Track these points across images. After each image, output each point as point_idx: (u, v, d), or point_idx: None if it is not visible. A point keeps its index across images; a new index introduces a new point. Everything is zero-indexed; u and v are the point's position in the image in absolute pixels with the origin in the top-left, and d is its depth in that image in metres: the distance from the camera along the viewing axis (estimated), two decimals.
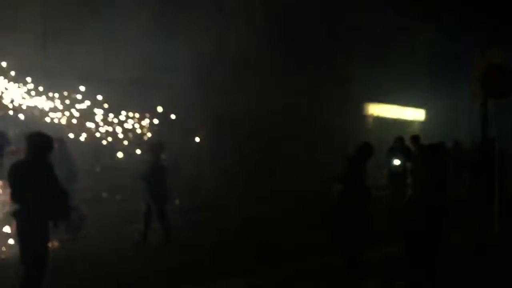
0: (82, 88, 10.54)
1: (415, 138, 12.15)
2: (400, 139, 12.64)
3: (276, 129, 17.31)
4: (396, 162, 12.31)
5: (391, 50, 21.83)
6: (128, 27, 14.29)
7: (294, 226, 9.76)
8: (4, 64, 9.86)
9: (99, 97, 11.03)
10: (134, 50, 14.05)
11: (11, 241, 7.06)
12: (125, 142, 11.04)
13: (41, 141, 5.16)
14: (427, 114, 26.22)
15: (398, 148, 12.53)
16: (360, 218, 6.58)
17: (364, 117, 22.84)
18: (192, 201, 10.97)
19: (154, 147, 8.31)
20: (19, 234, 5.03)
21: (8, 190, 5.32)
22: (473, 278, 6.42)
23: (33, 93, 10.19)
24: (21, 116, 9.77)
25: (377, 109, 23.32)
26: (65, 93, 10.30)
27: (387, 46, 21.69)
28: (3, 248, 7.28)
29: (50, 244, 5.29)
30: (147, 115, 12.46)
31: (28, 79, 10.48)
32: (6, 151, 8.61)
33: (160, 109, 12.68)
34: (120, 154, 10.64)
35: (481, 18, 21.19)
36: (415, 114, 25.81)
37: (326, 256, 7.35)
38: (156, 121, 12.43)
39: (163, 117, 12.93)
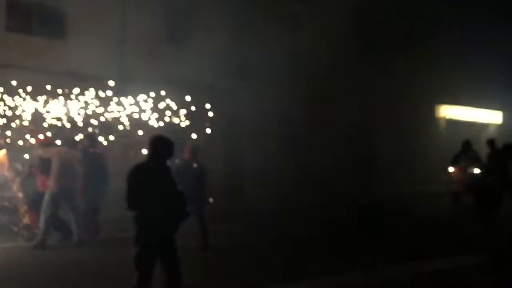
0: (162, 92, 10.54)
1: (491, 142, 11.74)
2: (466, 143, 12.22)
3: (353, 132, 17.34)
4: (476, 170, 12.01)
5: (465, 50, 21.10)
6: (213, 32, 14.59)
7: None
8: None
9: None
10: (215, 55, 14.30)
11: None
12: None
13: (162, 144, 5.15)
14: (505, 116, 25.07)
15: (464, 152, 12.13)
16: None
17: (436, 120, 22.19)
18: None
19: (188, 149, 8.49)
20: (136, 239, 5.01)
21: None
22: None
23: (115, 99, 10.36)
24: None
25: (450, 112, 22.58)
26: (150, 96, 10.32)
27: (461, 46, 20.98)
28: None
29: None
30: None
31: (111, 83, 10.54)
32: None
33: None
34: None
35: None
36: (492, 117, 24.73)
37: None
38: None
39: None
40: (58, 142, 9.13)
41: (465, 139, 12.45)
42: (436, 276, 6.82)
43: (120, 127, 10.18)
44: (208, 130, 9.88)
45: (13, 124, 9.51)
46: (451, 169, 12.58)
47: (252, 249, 8.40)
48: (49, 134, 9.35)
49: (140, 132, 9.70)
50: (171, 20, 14.87)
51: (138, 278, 4.96)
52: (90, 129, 9.86)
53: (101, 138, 9.78)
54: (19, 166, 9.31)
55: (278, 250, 8.32)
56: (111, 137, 9.89)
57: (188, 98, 10.58)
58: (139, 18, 13.47)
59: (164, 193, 4.98)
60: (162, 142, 5.17)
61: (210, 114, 10.48)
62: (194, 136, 9.48)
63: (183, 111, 10.34)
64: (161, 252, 5.06)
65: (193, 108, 10.47)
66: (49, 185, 8.62)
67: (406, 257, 7.85)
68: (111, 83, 10.10)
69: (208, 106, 10.46)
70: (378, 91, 18.21)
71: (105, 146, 9.85)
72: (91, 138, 9.38)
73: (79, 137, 9.43)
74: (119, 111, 10.07)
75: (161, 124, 10.17)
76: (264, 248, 8.44)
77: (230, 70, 14.80)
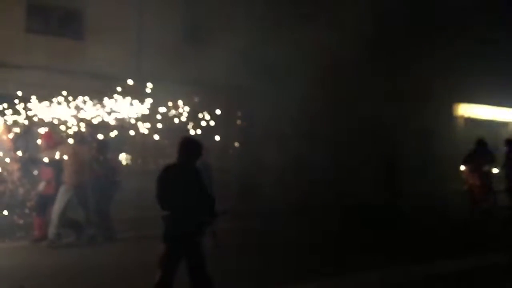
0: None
1: (509, 142, 11.63)
2: (480, 142, 12.02)
3: (368, 131, 17.25)
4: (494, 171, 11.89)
5: (484, 47, 20.83)
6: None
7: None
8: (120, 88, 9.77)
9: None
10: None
11: None
12: None
13: (192, 146, 5.25)
14: None
15: (477, 152, 11.98)
16: None
17: (454, 118, 21.96)
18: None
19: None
20: (164, 237, 5.06)
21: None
22: None
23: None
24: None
25: (468, 110, 22.32)
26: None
27: (479, 43, 20.73)
28: None
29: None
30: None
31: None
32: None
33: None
34: None
35: None
36: (510, 115, 24.38)
37: None
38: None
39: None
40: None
41: (479, 137, 12.18)
42: (458, 276, 6.78)
43: (139, 125, 10.12)
44: (237, 144, 9.75)
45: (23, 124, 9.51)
46: (462, 167, 12.39)
47: (264, 248, 8.44)
48: (52, 134, 9.30)
49: (157, 135, 9.68)
50: (193, 20, 14.86)
51: (160, 278, 4.96)
52: (103, 133, 9.79)
53: (115, 140, 9.78)
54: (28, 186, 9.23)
55: (291, 250, 8.34)
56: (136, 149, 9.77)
57: (211, 99, 10.49)
58: (159, 19, 13.54)
59: (192, 194, 5.04)
60: (191, 143, 5.27)
61: (239, 122, 10.34)
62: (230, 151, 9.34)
63: (206, 113, 10.23)
64: (187, 253, 5.06)
65: (218, 110, 10.35)
66: (66, 182, 8.72)
67: (424, 257, 7.82)
68: (150, 85, 9.93)
69: (239, 113, 10.30)
70: (398, 92, 18.07)
71: (117, 152, 9.76)
72: (102, 145, 9.36)
73: (93, 139, 9.45)
74: (141, 113, 10.01)
75: (187, 126, 10.11)
76: (276, 248, 8.47)
77: (250, 70, 14.76)
